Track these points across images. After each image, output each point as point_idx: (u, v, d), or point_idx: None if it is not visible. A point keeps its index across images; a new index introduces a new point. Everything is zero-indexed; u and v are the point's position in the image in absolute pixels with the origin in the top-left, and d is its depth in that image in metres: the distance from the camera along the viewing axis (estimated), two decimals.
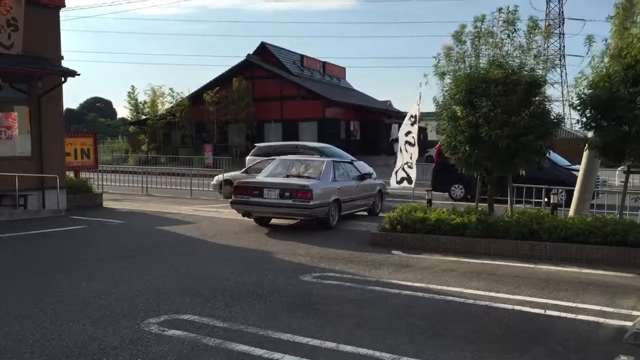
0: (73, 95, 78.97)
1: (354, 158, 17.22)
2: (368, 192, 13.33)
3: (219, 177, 16.91)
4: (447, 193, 17.21)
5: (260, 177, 12.14)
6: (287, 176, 11.88)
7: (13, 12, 13.33)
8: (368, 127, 42.69)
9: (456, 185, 16.92)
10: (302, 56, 43.40)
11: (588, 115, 9.00)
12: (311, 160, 12.94)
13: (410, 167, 12.07)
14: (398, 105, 49.99)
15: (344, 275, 7.51)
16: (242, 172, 16.15)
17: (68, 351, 4.68)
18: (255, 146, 21.00)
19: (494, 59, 9.33)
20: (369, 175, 13.79)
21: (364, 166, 16.16)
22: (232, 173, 17.24)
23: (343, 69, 50.27)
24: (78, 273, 7.56)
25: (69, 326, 5.31)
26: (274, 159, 13.32)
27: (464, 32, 9.53)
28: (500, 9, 9.40)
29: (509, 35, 9.34)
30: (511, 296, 6.53)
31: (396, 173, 12.43)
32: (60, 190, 14.26)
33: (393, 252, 9.18)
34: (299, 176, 11.85)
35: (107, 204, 15.87)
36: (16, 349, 4.73)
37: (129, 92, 40.86)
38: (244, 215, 11.74)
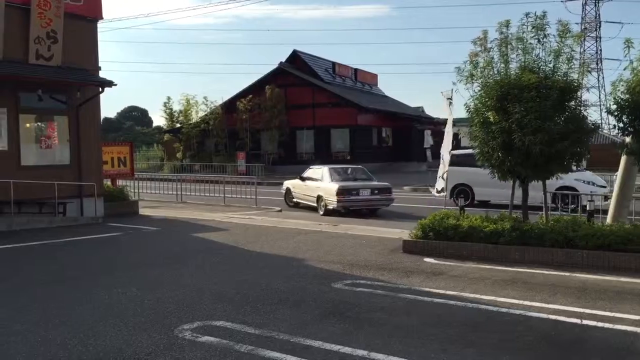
0: (110, 105, 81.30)
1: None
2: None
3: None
4: None
5: (342, 183, 15.77)
6: (355, 180, 16.44)
7: (53, 25, 13.75)
8: (400, 134, 42.50)
9: None
10: (333, 63, 43.51)
11: (625, 120, 8.81)
12: (353, 167, 18.09)
13: (443, 178, 12.04)
14: (430, 112, 49.76)
15: (376, 283, 7.50)
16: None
17: (104, 356, 4.79)
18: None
19: (525, 64, 9.21)
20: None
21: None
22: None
23: (375, 76, 50.20)
24: (114, 279, 7.73)
25: (105, 332, 5.43)
26: (320, 168, 17.50)
27: (487, 38, 9.43)
28: (527, 14, 9.26)
29: (539, 40, 9.19)
30: (546, 305, 6.41)
31: (437, 181, 12.45)
32: (98, 198, 14.61)
33: (425, 259, 9.12)
34: (362, 179, 16.59)
35: (142, 211, 16.18)
36: (54, 354, 4.86)
37: (165, 102, 41.74)
38: (343, 210, 15.42)
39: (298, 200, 17.74)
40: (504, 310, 6.22)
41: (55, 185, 13.54)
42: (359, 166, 18.46)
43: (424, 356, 4.79)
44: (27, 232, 12.26)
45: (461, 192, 16.29)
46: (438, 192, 12.69)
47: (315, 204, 16.33)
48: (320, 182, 16.38)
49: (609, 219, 10.20)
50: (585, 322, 5.80)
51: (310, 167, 18.43)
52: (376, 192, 15.77)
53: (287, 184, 18.68)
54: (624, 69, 8.87)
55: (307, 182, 17.08)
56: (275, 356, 4.77)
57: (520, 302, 6.54)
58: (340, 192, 15.33)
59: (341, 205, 15.37)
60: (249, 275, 7.94)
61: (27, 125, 14.12)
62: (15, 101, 13.44)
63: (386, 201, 15.94)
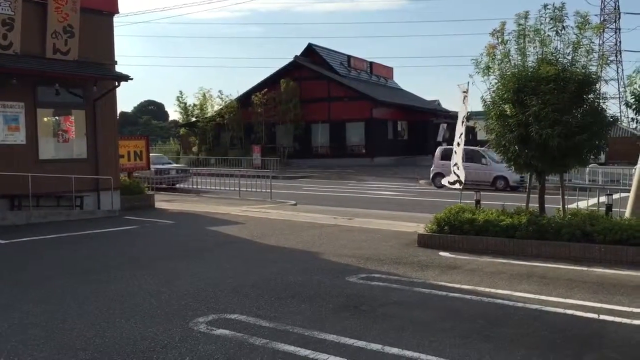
0: (127, 99, 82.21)
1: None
2: None
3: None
4: None
5: (155, 166, 21.13)
6: (163, 164, 22.98)
7: (69, 20, 13.84)
8: (416, 127, 42.31)
9: None
10: (348, 57, 43.41)
11: None
12: (158, 155, 25.92)
13: (458, 168, 11.88)
14: (446, 105, 49.47)
15: (390, 277, 7.47)
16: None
17: (119, 348, 4.83)
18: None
19: (543, 57, 9.10)
20: None
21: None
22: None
23: (390, 69, 50.00)
24: (130, 272, 7.78)
25: (121, 324, 5.47)
26: None
27: (505, 30, 9.32)
28: (545, 6, 9.13)
29: (557, 32, 9.07)
30: (563, 300, 6.35)
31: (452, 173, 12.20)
32: (114, 192, 14.73)
33: (440, 253, 9.07)
34: (167, 163, 23.34)
35: (158, 204, 16.28)
36: (71, 345, 4.91)
37: (178, 97, 42.06)
38: (159, 185, 20.87)
39: None
40: (520, 304, 6.17)
41: (72, 178, 13.66)
42: (161, 154, 27.17)
43: (439, 350, 4.76)
44: (45, 225, 12.40)
45: None
46: (450, 183, 12.39)
47: None
48: None
49: (627, 212, 10.07)
50: (602, 317, 5.73)
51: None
52: (180, 172, 23.12)
53: None
54: None
55: None
56: (289, 349, 4.78)
57: (537, 296, 6.48)
58: (156, 173, 21.21)
59: (157, 181, 20.72)
60: (264, 269, 7.96)
61: (45, 119, 14.25)
62: (33, 95, 13.56)
63: (186, 178, 22.52)
